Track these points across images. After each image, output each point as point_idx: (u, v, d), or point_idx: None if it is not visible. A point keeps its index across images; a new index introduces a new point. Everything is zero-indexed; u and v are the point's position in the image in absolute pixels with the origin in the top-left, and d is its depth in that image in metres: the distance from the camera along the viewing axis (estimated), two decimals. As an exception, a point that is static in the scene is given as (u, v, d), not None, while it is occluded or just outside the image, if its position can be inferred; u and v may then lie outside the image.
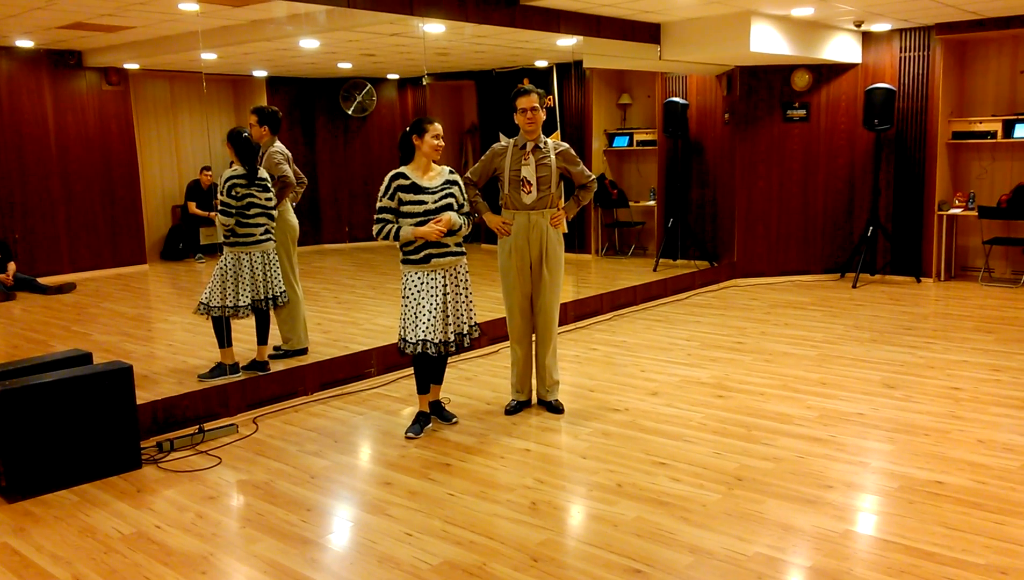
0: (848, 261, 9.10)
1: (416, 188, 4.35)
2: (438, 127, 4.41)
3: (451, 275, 4.47)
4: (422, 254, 4.39)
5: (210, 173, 10.28)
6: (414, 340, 4.39)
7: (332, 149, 12.41)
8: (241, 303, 5.40)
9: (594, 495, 3.73)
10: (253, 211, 5.41)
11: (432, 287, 4.40)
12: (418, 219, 4.34)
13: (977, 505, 3.52)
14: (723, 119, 9.44)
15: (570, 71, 10.34)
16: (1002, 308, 7.46)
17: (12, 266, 8.80)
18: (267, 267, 5.52)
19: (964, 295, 8.08)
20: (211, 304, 5.40)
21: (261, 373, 5.42)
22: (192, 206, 10.25)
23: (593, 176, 4.91)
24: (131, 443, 4.16)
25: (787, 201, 9.15)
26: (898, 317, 7.19)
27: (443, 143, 4.44)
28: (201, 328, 7.07)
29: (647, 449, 4.26)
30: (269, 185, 5.53)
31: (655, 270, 9.56)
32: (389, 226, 4.35)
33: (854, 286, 8.65)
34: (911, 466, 3.96)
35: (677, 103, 9.70)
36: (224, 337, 5.51)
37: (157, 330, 7.50)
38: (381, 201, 4.35)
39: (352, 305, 8.14)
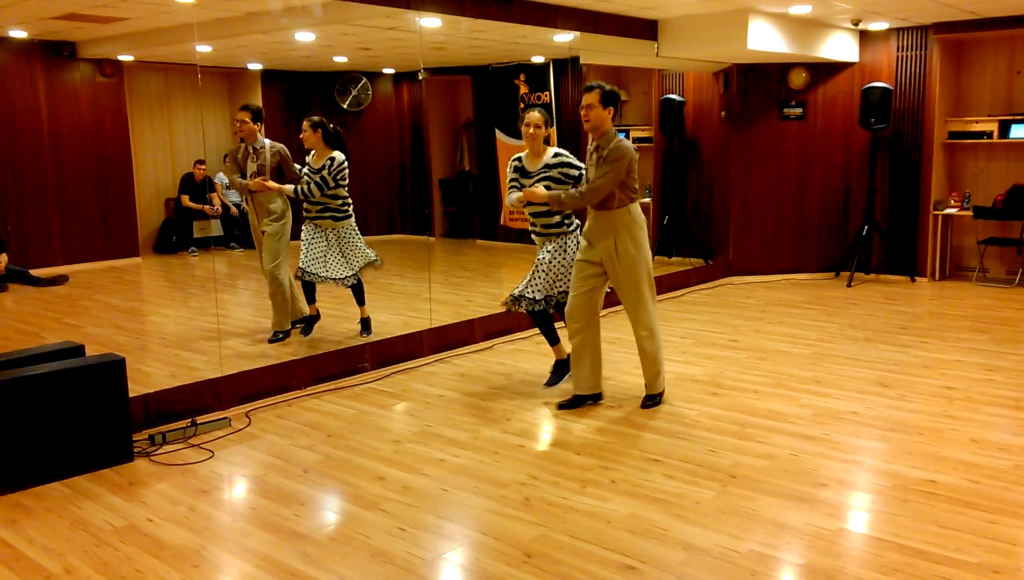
0: (843, 260, 9.10)
1: (522, 171, 5.02)
2: (532, 116, 4.93)
3: (559, 248, 5.04)
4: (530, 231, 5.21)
5: (203, 166, 10.23)
6: (515, 294, 5.09)
7: (327, 143, 12.34)
8: (309, 269, 6.06)
9: (588, 491, 3.72)
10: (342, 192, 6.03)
11: (540, 255, 5.11)
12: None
13: (970, 504, 3.52)
14: (720, 116, 9.43)
15: (567, 67, 10.32)
16: (996, 308, 7.47)
17: (4, 257, 8.75)
18: (341, 243, 6.17)
19: (959, 295, 8.09)
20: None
21: (367, 333, 6.35)
22: (185, 199, 10.21)
23: (579, 192, 4.66)
24: (123, 436, 4.15)
25: (783, 199, 9.15)
26: (892, 316, 7.20)
27: (538, 130, 4.92)
28: (193, 322, 7.06)
29: (641, 446, 4.26)
30: (324, 173, 5.92)
31: (650, 267, 9.55)
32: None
33: (849, 285, 8.66)
34: (905, 465, 3.96)
35: (674, 100, 9.69)
36: (305, 296, 6.32)
37: (150, 323, 7.47)
38: (508, 179, 5.09)
39: (346, 299, 8.10)
